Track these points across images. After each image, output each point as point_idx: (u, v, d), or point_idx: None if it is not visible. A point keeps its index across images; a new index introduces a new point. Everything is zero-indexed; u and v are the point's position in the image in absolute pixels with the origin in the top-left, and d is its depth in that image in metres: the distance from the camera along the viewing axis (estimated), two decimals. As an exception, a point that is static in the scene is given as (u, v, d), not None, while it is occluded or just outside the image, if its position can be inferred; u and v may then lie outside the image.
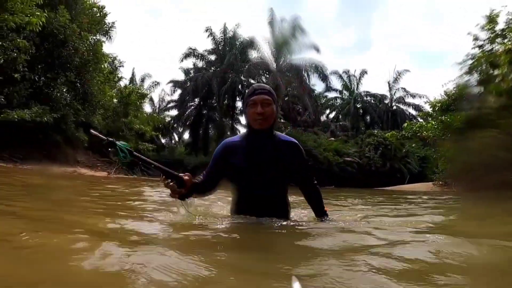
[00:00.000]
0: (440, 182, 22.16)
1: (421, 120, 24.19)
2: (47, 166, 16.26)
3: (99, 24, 21.02)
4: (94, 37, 20.90)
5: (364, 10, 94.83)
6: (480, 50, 15.13)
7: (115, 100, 24.55)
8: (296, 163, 2.96)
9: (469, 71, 14.67)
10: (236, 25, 34.66)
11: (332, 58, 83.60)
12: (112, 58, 23.41)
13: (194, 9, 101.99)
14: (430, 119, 20.08)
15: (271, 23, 32.62)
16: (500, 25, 14.78)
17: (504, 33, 14.43)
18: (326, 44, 79.15)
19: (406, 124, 22.91)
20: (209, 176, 2.96)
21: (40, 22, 14.91)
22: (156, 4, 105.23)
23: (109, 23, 22.30)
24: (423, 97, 35.34)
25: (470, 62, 14.78)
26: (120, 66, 24.69)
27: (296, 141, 2.99)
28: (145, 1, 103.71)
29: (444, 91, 17.97)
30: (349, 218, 3.65)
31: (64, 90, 18.40)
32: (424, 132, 19.55)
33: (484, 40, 15.25)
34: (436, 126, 18.25)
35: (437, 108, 18.42)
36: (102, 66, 20.58)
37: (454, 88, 17.16)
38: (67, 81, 18.33)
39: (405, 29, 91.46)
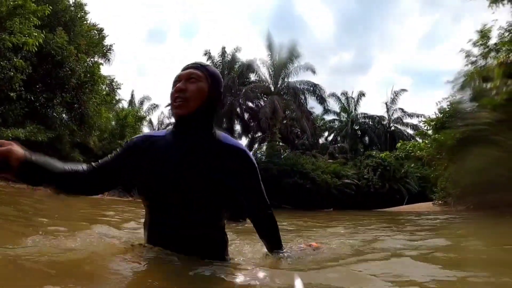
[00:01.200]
0: (440, 202, 21.90)
1: (420, 140, 23.96)
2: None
3: (97, 46, 21.23)
4: (92, 59, 21.12)
5: (360, 33, 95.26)
6: (473, 66, 15.17)
7: (112, 122, 24.62)
8: (241, 178, 2.00)
9: (462, 88, 14.73)
10: (235, 49, 34.88)
11: (329, 80, 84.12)
12: (109, 80, 23.46)
13: (196, 33, 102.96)
14: (426, 137, 20.01)
15: (269, 46, 32.90)
16: (493, 40, 14.86)
17: (497, 47, 14.47)
18: (323, 67, 79.80)
19: (399, 144, 22.88)
20: (101, 167, 2.01)
21: (37, 43, 15.06)
22: (158, 27, 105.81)
23: (107, 45, 22.52)
24: (421, 116, 35.09)
25: (462, 79, 14.85)
26: (117, 88, 24.69)
27: (246, 149, 2.08)
28: (147, 24, 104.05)
29: (438, 109, 17.90)
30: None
31: (60, 110, 18.39)
32: (418, 151, 19.45)
33: (476, 56, 15.33)
34: (429, 145, 18.16)
35: (431, 126, 18.32)
36: (99, 88, 20.59)
37: (447, 105, 17.12)
38: (64, 102, 18.39)
39: (402, 50, 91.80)
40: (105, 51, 22.36)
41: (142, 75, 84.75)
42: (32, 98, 16.80)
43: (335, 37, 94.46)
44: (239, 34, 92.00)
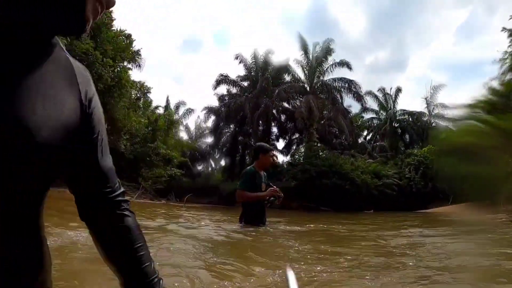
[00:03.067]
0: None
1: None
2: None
3: (124, 51, 21.28)
4: (121, 64, 21.26)
5: (395, 30, 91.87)
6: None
7: (146, 127, 24.84)
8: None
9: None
10: (267, 51, 34.41)
11: (366, 80, 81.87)
12: (139, 85, 23.61)
13: (230, 40, 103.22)
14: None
15: (303, 46, 32.21)
16: None
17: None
18: (359, 67, 77.64)
19: (443, 134, 21.24)
20: None
21: None
22: (193, 37, 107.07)
23: (135, 50, 22.61)
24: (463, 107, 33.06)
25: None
26: (147, 92, 24.82)
27: None
28: (182, 34, 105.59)
29: (489, 88, 15.94)
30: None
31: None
32: (468, 138, 17.46)
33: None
34: (483, 129, 16.23)
35: (479, 109, 16.44)
36: (127, 92, 20.69)
37: (499, 85, 15.30)
38: (90, 106, 18.49)
39: (438, 44, 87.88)
40: (133, 55, 22.35)
41: (179, 82, 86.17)
42: (58, 103, 16.95)
43: (370, 36, 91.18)
44: (272, 38, 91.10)
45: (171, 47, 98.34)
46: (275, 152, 6.18)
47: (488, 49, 70.77)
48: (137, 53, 22.72)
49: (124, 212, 1.10)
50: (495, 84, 15.36)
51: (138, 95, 24.13)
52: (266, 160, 5.75)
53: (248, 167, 5.88)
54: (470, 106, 16.35)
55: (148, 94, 26.16)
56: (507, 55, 13.94)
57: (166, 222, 6.42)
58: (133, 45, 22.42)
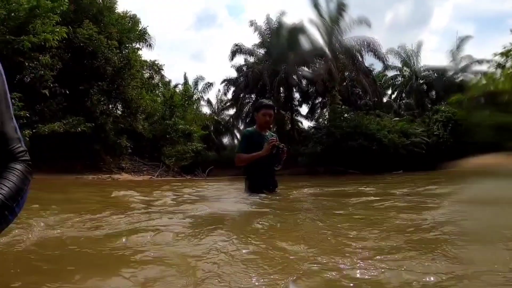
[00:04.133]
0: None
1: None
2: (85, 175, 16.56)
3: (130, 32, 21.00)
4: (129, 45, 21.10)
5: None
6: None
7: (163, 105, 24.81)
8: None
9: None
10: (280, 13, 33.36)
11: (387, 38, 78.46)
12: (150, 63, 23.42)
13: (244, 11, 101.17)
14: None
15: (316, 5, 30.72)
16: None
17: None
18: (378, 26, 74.24)
19: (473, 82, 20.05)
20: None
21: (58, 38, 15.19)
22: (206, 12, 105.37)
23: (142, 29, 22.31)
24: (491, 61, 31.11)
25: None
26: (160, 70, 24.64)
27: None
28: (195, 11, 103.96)
29: None
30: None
31: (97, 99, 18.43)
32: (501, 84, 16.27)
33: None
34: None
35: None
36: (137, 72, 20.52)
37: None
38: (101, 90, 18.49)
39: None
40: (140, 36, 22.13)
41: (197, 59, 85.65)
42: (67, 92, 16.92)
43: None
44: (285, 1, 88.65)
45: (185, 25, 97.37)
46: (268, 110, 5.10)
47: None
48: (144, 32, 22.45)
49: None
50: None
51: (150, 73, 23.94)
52: (259, 119, 5.07)
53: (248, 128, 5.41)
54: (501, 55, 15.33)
55: (162, 72, 25.98)
56: None
57: (160, 196, 5.96)
58: (139, 26, 22.14)
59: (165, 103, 24.96)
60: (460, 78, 34.95)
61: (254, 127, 5.16)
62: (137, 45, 22.37)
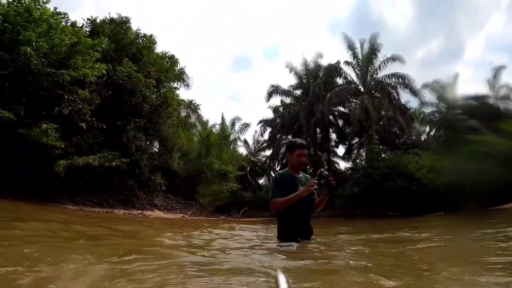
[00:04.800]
0: None
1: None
2: (117, 209, 16.73)
3: (168, 71, 21.66)
4: (166, 84, 21.72)
5: (444, 16, 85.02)
6: None
7: (199, 144, 25.16)
8: None
9: None
10: (316, 55, 33.90)
11: (421, 74, 77.26)
12: (188, 103, 23.97)
13: (279, 53, 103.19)
14: None
15: (350, 46, 31.23)
16: None
17: None
18: (411, 61, 73.56)
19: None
20: None
21: (97, 74, 15.76)
22: (243, 55, 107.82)
23: (180, 69, 23.02)
24: None
25: None
26: (197, 109, 25.18)
27: None
28: (233, 53, 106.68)
29: None
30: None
31: (133, 135, 18.80)
32: None
33: None
34: None
35: None
36: (174, 110, 20.99)
37: None
38: (137, 127, 18.88)
39: (491, 25, 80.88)
40: (177, 75, 22.80)
41: (234, 100, 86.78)
42: (104, 126, 17.34)
43: (419, 25, 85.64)
44: (320, 46, 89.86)
45: (224, 66, 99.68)
46: (304, 150, 4.73)
47: None
48: (182, 72, 23.12)
49: None
50: None
51: (187, 112, 24.44)
52: (293, 159, 4.65)
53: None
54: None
55: (199, 112, 26.52)
56: None
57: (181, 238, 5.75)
58: (177, 66, 22.85)
59: (202, 142, 25.27)
60: (502, 107, 33.72)
61: (286, 169, 4.80)
62: (175, 85, 23.05)
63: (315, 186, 4.24)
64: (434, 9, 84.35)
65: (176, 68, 22.78)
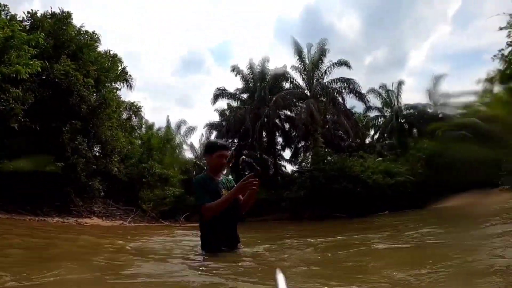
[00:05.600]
0: (507, 186, 19.51)
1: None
2: (51, 217, 15.71)
3: (108, 71, 20.70)
4: (108, 84, 20.79)
5: (390, 27, 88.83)
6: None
7: (140, 148, 24.28)
8: None
9: None
10: (263, 59, 33.82)
11: (367, 81, 79.73)
12: (129, 105, 23.03)
13: (230, 57, 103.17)
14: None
15: (298, 51, 31.58)
16: None
17: None
18: (358, 69, 75.95)
19: (462, 109, 20.02)
20: None
21: (29, 71, 14.70)
22: (192, 58, 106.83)
23: (122, 69, 22.08)
24: (471, 92, 31.65)
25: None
26: (138, 111, 24.19)
27: None
28: (181, 54, 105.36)
29: (507, 57, 14.45)
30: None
31: (68, 137, 17.70)
32: (488, 108, 15.86)
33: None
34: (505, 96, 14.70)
35: (496, 80, 14.93)
36: (113, 112, 20.03)
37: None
38: (74, 129, 17.81)
39: (435, 36, 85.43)
40: (119, 75, 21.85)
41: (182, 103, 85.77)
42: (38, 128, 16.23)
43: (366, 36, 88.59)
44: (269, 48, 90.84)
45: (172, 69, 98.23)
46: (228, 151, 4.30)
47: (485, 35, 68.60)
48: (124, 72, 22.20)
49: None
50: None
51: (129, 114, 23.48)
52: (214, 161, 4.18)
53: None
54: (486, 80, 15.20)
55: (142, 114, 25.58)
56: None
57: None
58: (119, 65, 21.91)
59: (143, 146, 24.36)
60: (441, 115, 35.39)
61: (205, 172, 4.35)
62: (117, 85, 22.06)
63: (256, 181, 3.74)
64: (381, 19, 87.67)
65: (118, 67, 21.77)
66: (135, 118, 24.87)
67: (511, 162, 19.71)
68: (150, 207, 23.55)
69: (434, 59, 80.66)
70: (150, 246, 6.51)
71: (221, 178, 4.26)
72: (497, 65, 14.17)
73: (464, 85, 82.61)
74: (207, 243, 4.13)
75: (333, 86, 30.80)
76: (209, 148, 4.37)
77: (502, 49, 13.90)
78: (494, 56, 14.15)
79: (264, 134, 33.08)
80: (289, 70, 32.27)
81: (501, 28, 14.02)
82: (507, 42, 13.66)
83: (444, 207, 19.11)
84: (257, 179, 3.75)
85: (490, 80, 14.75)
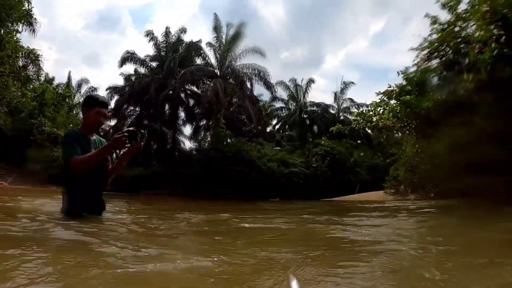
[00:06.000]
0: (392, 190, 21.20)
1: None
2: None
3: (12, 9, 18.61)
4: (8, 24, 18.77)
5: (313, 29, 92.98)
6: (441, 32, 13.44)
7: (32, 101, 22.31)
8: None
9: (431, 54, 13.27)
10: (180, 30, 32.69)
11: (280, 74, 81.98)
12: (27, 51, 20.99)
13: (149, 21, 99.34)
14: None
15: (216, 28, 31.07)
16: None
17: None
18: (274, 60, 77.59)
19: (356, 113, 21.34)
20: None
21: None
22: (109, 15, 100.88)
23: (26, 10, 19.95)
24: (370, 106, 34.19)
25: (430, 46, 13.34)
26: (36, 61, 22.05)
27: None
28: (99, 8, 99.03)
29: (404, 75, 15.41)
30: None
31: None
32: (381, 120, 16.94)
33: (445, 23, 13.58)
34: (397, 109, 15.72)
35: (394, 95, 15.89)
36: (8, 57, 18.16)
37: (413, 73, 14.94)
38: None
39: (353, 47, 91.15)
40: (22, 16, 19.76)
41: (89, 61, 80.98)
42: None
43: (288, 31, 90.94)
44: (189, 20, 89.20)
45: (84, 22, 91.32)
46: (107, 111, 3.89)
47: (397, 57, 74.19)
48: (29, 14, 20.06)
49: None
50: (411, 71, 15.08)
51: (26, 62, 21.39)
52: (91, 117, 3.83)
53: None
54: (381, 94, 16.10)
55: (41, 64, 23.25)
56: (424, 44, 13.64)
57: None
58: (24, 5, 19.75)
59: (35, 99, 22.36)
60: (341, 118, 37.87)
61: (78, 127, 4.00)
62: (18, 27, 19.88)
63: (127, 141, 3.54)
64: (306, 19, 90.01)
65: (23, 7, 19.59)
66: (33, 68, 22.58)
67: (397, 169, 21.42)
68: (38, 168, 21.57)
69: (347, 66, 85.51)
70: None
71: (95, 137, 3.92)
72: (401, 80, 15.04)
73: (368, 97, 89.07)
74: (69, 207, 3.78)
75: (244, 70, 30.80)
76: (88, 102, 4.00)
77: (408, 67, 14.83)
78: (400, 71, 15.01)
79: (167, 106, 32.06)
80: (203, 45, 31.62)
81: (411, 49, 14.92)
82: (414, 62, 14.57)
83: (334, 201, 20.25)
84: (126, 135, 3.52)
85: (388, 93, 15.69)
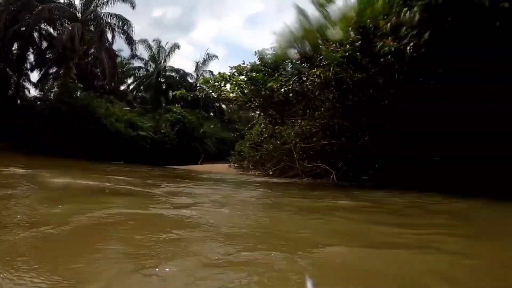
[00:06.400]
0: (236, 165, 22.07)
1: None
2: None
3: None
4: None
5: None
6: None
7: None
8: None
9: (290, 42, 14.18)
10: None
11: (147, 32, 78.43)
12: None
13: None
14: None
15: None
16: None
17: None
18: (144, 17, 74.84)
19: (201, 80, 21.89)
20: None
21: None
22: None
23: None
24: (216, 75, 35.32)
25: (291, 33, 14.14)
26: None
27: None
28: None
29: (259, 55, 16.00)
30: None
31: None
32: (224, 92, 17.46)
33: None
34: (243, 84, 16.29)
35: (245, 71, 16.42)
36: None
37: (270, 55, 15.63)
38: None
39: (227, 23, 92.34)
40: None
41: None
42: None
43: None
44: None
45: None
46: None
47: (268, 42, 76.45)
48: None
49: None
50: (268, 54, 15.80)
51: None
52: None
53: None
54: (233, 68, 16.65)
55: None
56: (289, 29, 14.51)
57: None
58: None
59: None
60: (198, 88, 37.94)
61: None
62: None
63: None
64: None
65: None
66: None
67: (242, 145, 22.51)
68: None
69: (216, 40, 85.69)
70: None
71: None
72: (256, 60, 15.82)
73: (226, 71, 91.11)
74: None
75: (108, 20, 29.10)
76: None
77: (266, 49, 15.70)
78: (257, 50, 15.78)
79: (16, 45, 28.66)
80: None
81: (273, 33, 16.04)
82: (272, 45, 15.51)
83: (179, 169, 20.43)
84: None
85: (241, 69, 16.30)
